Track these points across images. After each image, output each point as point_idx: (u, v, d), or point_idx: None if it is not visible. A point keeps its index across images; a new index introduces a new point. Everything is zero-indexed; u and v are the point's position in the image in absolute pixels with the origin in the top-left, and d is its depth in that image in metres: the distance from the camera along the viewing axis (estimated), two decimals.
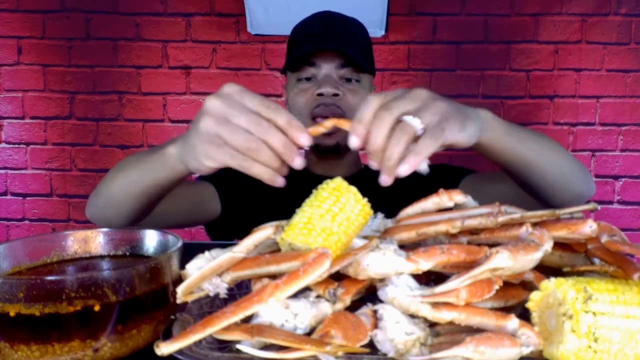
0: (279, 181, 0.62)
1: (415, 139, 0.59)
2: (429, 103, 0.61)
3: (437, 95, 0.63)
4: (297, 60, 1.11)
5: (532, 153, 0.79)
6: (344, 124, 0.63)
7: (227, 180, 1.17)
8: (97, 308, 0.49)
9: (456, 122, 0.62)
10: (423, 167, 0.60)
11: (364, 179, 1.22)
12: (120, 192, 0.82)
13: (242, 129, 0.59)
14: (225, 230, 1.19)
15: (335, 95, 1.09)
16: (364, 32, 1.18)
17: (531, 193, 0.89)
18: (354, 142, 0.60)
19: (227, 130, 0.60)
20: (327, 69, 1.10)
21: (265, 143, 0.59)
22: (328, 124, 0.64)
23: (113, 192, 0.83)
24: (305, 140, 0.60)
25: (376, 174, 1.29)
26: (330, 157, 1.19)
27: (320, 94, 1.09)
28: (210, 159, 0.62)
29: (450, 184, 1.13)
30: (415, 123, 0.58)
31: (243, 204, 1.16)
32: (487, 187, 1.06)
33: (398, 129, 0.59)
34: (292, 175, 1.25)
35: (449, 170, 1.21)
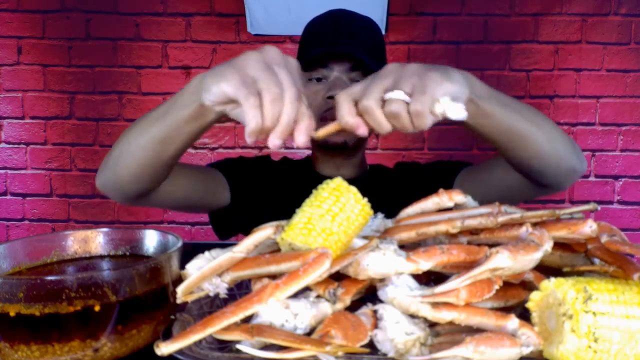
0: (252, 140, 0.61)
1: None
2: (401, 71, 0.63)
3: (406, 63, 0.65)
4: (308, 62, 1.11)
5: (519, 118, 0.75)
6: (331, 129, 0.67)
7: (236, 172, 1.18)
8: (97, 308, 0.49)
9: (436, 73, 0.62)
10: (460, 114, 0.61)
11: (369, 180, 1.22)
12: (137, 139, 0.79)
13: (273, 77, 0.60)
14: (230, 223, 1.20)
15: None
16: (377, 33, 1.16)
17: (525, 171, 0.86)
18: (363, 132, 0.64)
19: (259, 69, 0.61)
20: (338, 71, 1.09)
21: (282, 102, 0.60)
22: (320, 134, 0.67)
23: (129, 141, 0.80)
24: (300, 140, 0.62)
25: (380, 175, 1.29)
26: (338, 155, 1.19)
27: (330, 97, 1.08)
28: (226, 80, 0.61)
29: (448, 178, 1.13)
30: (398, 95, 0.60)
31: (249, 198, 1.17)
32: (484, 176, 1.07)
33: (387, 106, 0.61)
34: (298, 174, 1.24)
35: (445, 165, 1.21)
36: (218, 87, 0.62)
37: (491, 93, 0.72)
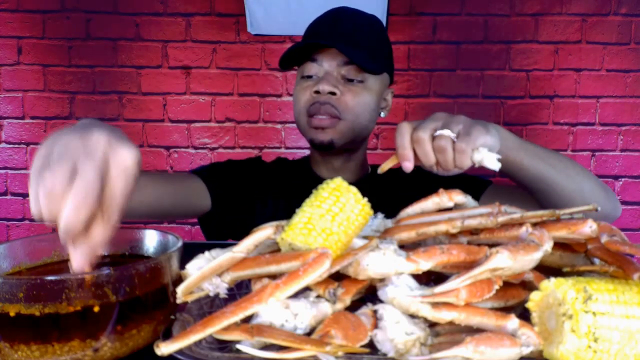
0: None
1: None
2: (451, 118, 0.72)
3: (454, 114, 0.74)
4: (291, 55, 1.07)
5: (548, 168, 0.83)
6: (392, 162, 0.73)
7: (218, 176, 1.15)
8: (97, 308, 0.49)
9: (479, 126, 0.71)
10: (495, 164, 0.69)
11: (370, 183, 1.20)
12: None
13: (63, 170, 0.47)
14: (217, 227, 1.16)
15: (332, 94, 1.05)
16: (377, 31, 1.12)
17: None
18: (408, 167, 0.70)
19: (60, 159, 0.48)
20: (328, 66, 1.06)
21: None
22: (385, 168, 0.73)
23: None
24: (74, 264, 0.50)
25: (382, 178, 1.25)
26: (334, 157, 1.16)
27: (317, 92, 1.05)
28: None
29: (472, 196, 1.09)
30: (448, 133, 0.70)
31: (235, 201, 1.14)
32: (512, 204, 1.02)
33: (437, 141, 0.70)
34: (295, 175, 1.20)
35: (466, 180, 1.11)
36: None
37: (520, 144, 0.81)
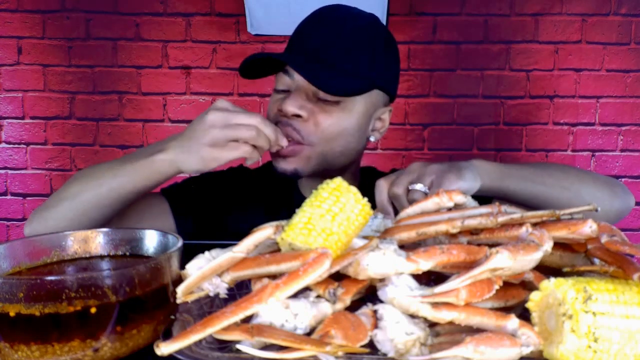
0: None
1: None
2: (424, 169, 0.77)
3: (429, 162, 0.79)
4: (249, 66, 0.96)
5: (539, 187, 0.85)
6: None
7: (187, 198, 1.06)
8: (96, 308, 0.49)
9: (451, 174, 0.75)
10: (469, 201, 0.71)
11: (365, 187, 1.13)
12: (92, 201, 0.85)
13: (244, 125, 0.79)
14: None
15: (297, 116, 0.91)
16: (367, 37, 0.98)
17: None
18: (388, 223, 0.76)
19: (233, 130, 0.79)
20: (301, 80, 0.92)
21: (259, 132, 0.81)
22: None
23: (80, 202, 0.85)
24: (283, 142, 0.86)
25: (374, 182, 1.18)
26: (318, 177, 1.00)
27: (280, 110, 0.93)
28: (216, 160, 0.80)
29: None
30: (419, 187, 0.76)
31: (211, 215, 1.07)
32: None
33: (411, 195, 0.76)
34: (281, 187, 1.14)
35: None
36: (212, 167, 0.81)
37: (504, 173, 0.84)
